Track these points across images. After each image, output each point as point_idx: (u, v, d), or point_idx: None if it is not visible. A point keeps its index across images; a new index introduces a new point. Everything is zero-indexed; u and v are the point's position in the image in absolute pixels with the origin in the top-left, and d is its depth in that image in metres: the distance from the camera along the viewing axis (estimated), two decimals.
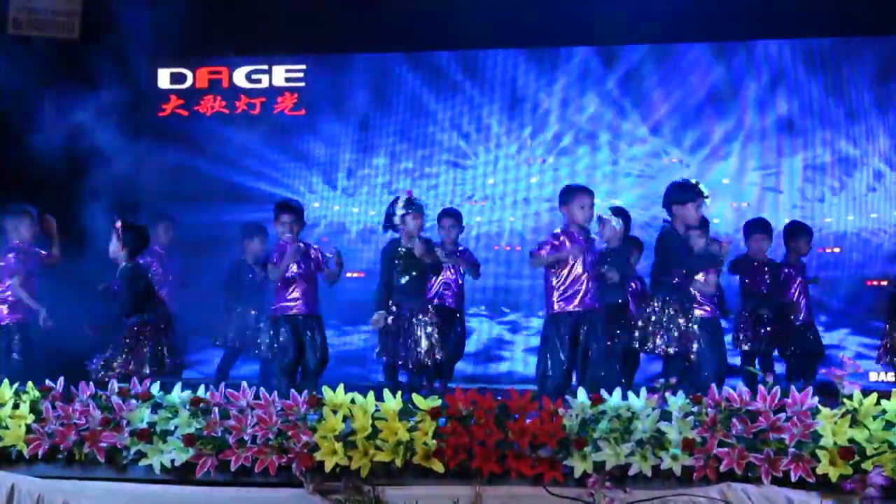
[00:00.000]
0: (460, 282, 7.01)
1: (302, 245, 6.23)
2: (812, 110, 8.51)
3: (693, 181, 5.85)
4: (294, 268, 6.14)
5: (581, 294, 5.62)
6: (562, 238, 5.72)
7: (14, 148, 7.07)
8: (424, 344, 6.01)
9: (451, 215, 7.15)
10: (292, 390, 4.38)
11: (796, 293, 6.96)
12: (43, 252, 6.49)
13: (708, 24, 8.12)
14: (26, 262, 6.37)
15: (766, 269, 6.94)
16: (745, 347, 6.83)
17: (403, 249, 6.12)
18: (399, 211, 6.07)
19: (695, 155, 8.63)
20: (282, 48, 8.89)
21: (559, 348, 5.56)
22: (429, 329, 6.05)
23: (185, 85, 9.27)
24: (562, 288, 5.64)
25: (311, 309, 6.18)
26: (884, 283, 7.43)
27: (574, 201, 5.77)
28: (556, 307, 5.65)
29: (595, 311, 5.68)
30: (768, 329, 6.82)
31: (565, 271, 5.65)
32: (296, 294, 6.15)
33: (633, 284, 6.45)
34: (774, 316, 6.84)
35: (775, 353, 6.93)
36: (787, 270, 6.96)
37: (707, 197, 5.76)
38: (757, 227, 7.04)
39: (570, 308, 5.61)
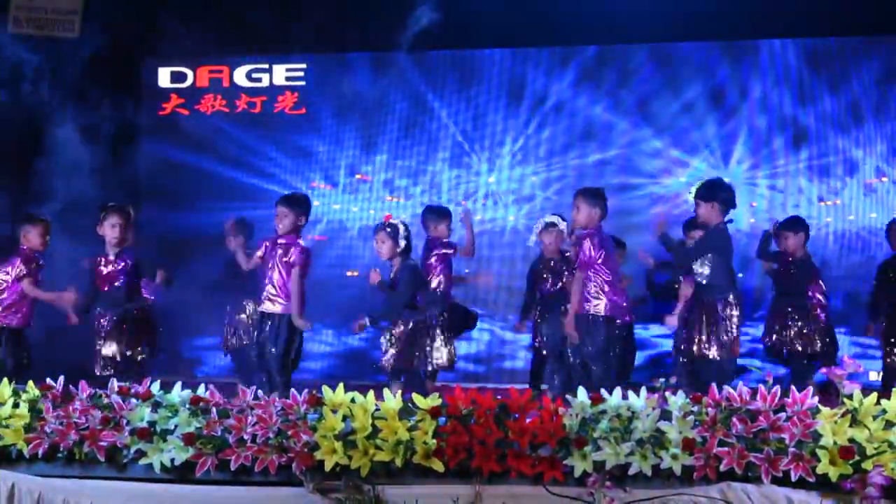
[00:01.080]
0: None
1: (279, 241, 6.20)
2: (814, 110, 8.51)
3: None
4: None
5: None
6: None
7: (11, 147, 7.09)
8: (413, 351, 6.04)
9: (435, 212, 7.03)
10: (292, 389, 4.39)
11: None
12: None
13: (709, 23, 8.13)
14: (32, 268, 6.34)
15: (788, 264, 6.86)
16: (768, 343, 6.82)
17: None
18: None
19: (695, 154, 8.63)
20: (282, 47, 8.91)
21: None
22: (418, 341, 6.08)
23: (185, 84, 9.28)
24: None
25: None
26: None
27: (600, 203, 5.79)
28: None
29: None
30: (779, 325, 6.79)
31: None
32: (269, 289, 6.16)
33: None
34: (790, 312, 6.82)
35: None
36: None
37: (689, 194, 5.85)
38: (782, 225, 7.00)
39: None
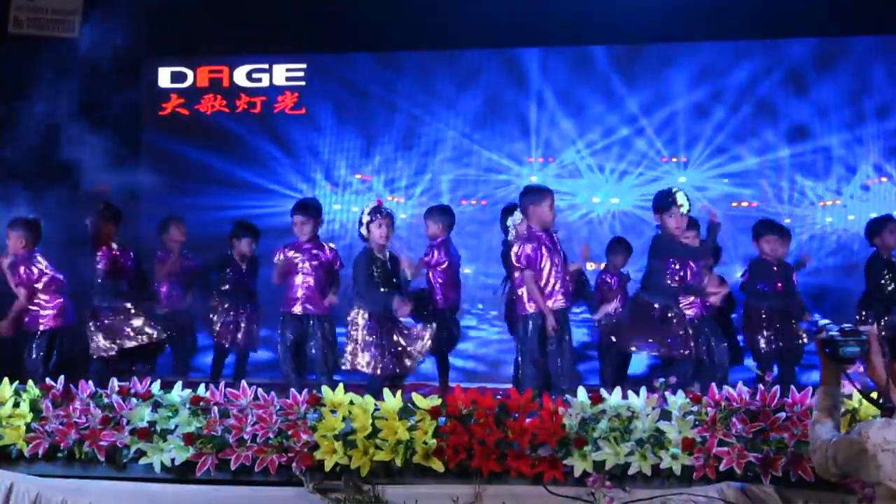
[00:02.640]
0: (440, 281, 6.91)
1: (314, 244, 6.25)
2: (815, 110, 8.50)
3: (674, 189, 5.81)
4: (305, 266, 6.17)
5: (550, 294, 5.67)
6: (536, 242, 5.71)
7: (10, 148, 7.08)
8: (397, 351, 6.01)
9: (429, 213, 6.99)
10: (292, 389, 4.39)
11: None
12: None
13: (707, 23, 8.11)
14: (27, 272, 6.30)
15: (775, 268, 6.67)
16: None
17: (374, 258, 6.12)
18: (364, 219, 6.04)
19: (694, 155, 8.63)
20: (282, 47, 8.91)
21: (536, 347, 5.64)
22: (398, 336, 6.04)
23: (185, 84, 9.28)
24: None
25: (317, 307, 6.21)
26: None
27: (544, 202, 5.72)
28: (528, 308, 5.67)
29: (564, 311, 5.73)
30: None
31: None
32: (303, 292, 6.16)
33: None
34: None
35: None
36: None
37: (681, 205, 5.70)
38: (764, 226, 6.81)
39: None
